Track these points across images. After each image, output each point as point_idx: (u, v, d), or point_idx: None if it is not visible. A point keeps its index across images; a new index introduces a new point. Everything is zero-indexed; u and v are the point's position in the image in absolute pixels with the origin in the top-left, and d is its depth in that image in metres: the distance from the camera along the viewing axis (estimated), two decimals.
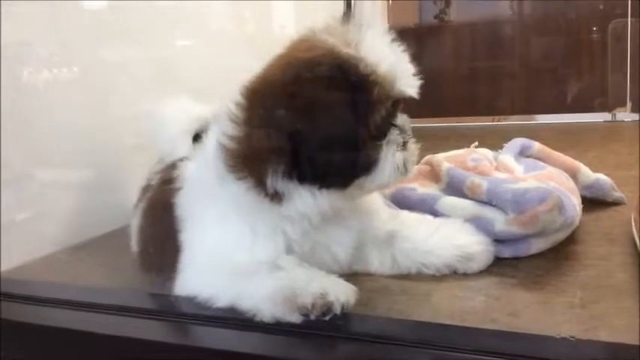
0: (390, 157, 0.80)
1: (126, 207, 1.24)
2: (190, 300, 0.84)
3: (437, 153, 1.14)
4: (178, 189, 0.90)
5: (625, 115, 2.38)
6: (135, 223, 1.04)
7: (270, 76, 0.79)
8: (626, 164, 1.47)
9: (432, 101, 2.70)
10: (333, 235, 0.86)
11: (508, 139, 1.24)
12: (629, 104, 2.37)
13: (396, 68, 0.80)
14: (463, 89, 2.74)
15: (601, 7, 2.48)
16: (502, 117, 2.72)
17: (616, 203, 1.17)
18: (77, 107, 1.21)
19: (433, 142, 1.09)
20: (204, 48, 1.54)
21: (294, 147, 0.74)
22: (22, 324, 0.91)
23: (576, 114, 2.48)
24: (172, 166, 0.99)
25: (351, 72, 0.76)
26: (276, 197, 0.78)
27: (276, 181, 0.77)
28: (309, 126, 0.74)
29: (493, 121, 2.72)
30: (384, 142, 0.80)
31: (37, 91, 1.15)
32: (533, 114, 2.65)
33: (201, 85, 1.42)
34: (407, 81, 0.81)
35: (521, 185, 0.91)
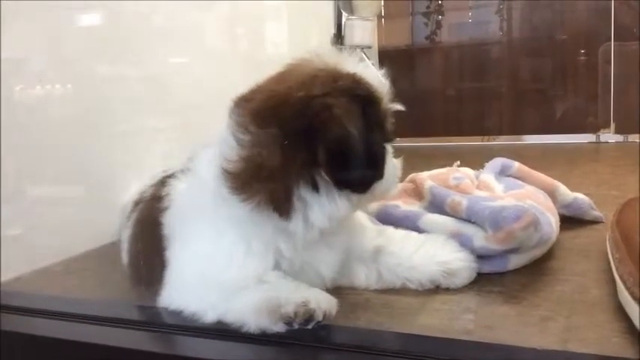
0: (390, 163, 0.86)
1: (116, 222, 1.28)
2: (177, 313, 0.86)
3: (421, 171, 1.18)
4: (166, 208, 0.93)
5: (609, 136, 2.44)
6: (125, 235, 1.06)
7: (283, 95, 0.80)
8: (606, 183, 1.51)
9: (421, 120, 2.77)
10: (320, 254, 0.88)
11: (493, 158, 1.27)
12: (612, 125, 2.43)
13: (384, 86, 0.85)
14: (452, 109, 2.79)
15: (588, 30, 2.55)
16: (490, 137, 2.78)
17: (594, 222, 1.21)
18: (70, 123, 1.22)
19: (418, 161, 1.13)
20: (197, 65, 1.55)
21: (327, 158, 0.78)
22: (18, 334, 0.93)
23: (561, 135, 2.54)
24: (162, 182, 1.02)
25: (364, 87, 0.81)
26: (286, 212, 0.80)
27: (298, 195, 0.80)
28: (341, 136, 0.77)
29: (482, 141, 2.77)
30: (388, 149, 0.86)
31: (29, 107, 1.16)
32: (520, 134, 2.71)
33: (194, 102, 1.45)
34: (390, 98, 0.86)
35: (499, 203, 0.95)
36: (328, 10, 2.34)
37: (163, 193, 0.94)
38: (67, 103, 1.24)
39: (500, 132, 2.74)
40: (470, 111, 2.78)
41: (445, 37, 2.86)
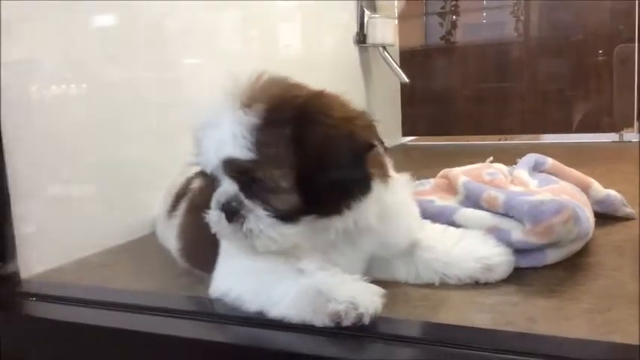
0: None
1: (131, 222, 1.32)
2: (221, 301, 0.88)
3: (436, 170, 1.18)
4: None
5: (632, 135, 2.43)
6: (172, 224, 1.11)
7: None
8: (632, 182, 1.50)
9: (438, 120, 2.78)
10: (341, 254, 0.89)
11: (517, 157, 1.28)
12: (636, 124, 2.42)
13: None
14: (469, 109, 2.79)
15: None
16: (509, 136, 2.78)
17: (626, 218, 1.21)
18: (85, 124, 1.23)
19: (434, 160, 1.13)
20: (210, 67, 1.56)
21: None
22: (53, 322, 0.95)
23: (584, 134, 2.53)
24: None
25: None
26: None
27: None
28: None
29: (500, 140, 2.78)
30: None
31: (44, 108, 1.17)
32: (541, 134, 2.71)
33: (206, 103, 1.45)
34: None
35: (538, 197, 0.95)
36: (349, 10, 2.34)
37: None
38: (82, 103, 1.24)
39: (519, 131, 2.74)
40: (489, 111, 2.78)
41: (460, 37, 2.86)
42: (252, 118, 0.79)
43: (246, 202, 0.82)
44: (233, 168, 0.81)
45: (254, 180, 0.81)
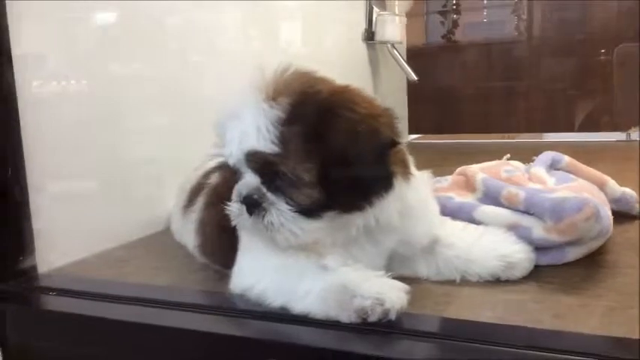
0: None
1: (132, 220, 1.31)
2: (243, 297, 0.88)
3: (441, 167, 1.17)
4: None
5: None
6: (190, 219, 1.11)
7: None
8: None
9: (441, 118, 2.79)
10: (361, 250, 0.89)
11: (524, 155, 1.29)
12: None
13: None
14: (473, 107, 2.79)
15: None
16: (513, 134, 2.78)
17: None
18: (85, 120, 1.21)
19: (437, 157, 1.12)
20: (211, 65, 1.54)
21: None
22: (70, 315, 0.96)
23: (590, 133, 2.53)
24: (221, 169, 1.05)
25: None
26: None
27: None
28: None
29: (503, 139, 2.78)
30: None
31: (45, 103, 1.15)
32: (545, 132, 2.71)
33: (207, 100, 1.43)
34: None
35: (559, 194, 0.95)
36: (357, 7, 2.34)
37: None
38: (83, 100, 1.22)
39: (523, 130, 2.75)
40: (492, 109, 2.79)
41: (461, 36, 2.86)
42: (276, 112, 0.78)
43: (268, 195, 0.82)
44: (256, 160, 0.81)
45: (277, 173, 0.80)
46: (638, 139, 2.41)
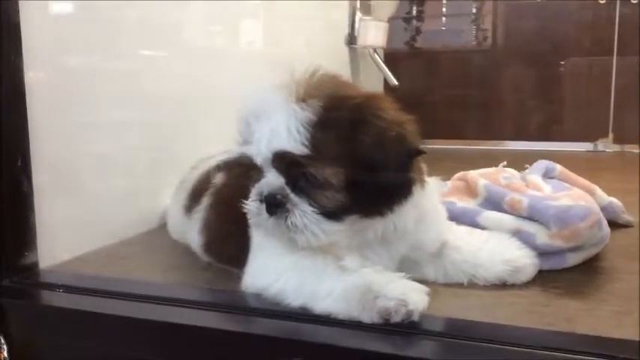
0: None
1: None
2: (257, 296, 0.88)
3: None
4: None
5: (607, 145, 2.53)
6: (194, 218, 1.10)
7: None
8: (613, 191, 1.57)
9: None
10: (373, 253, 0.90)
11: (494, 162, 1.29)
12: (611, 135, 2.51)
13: None
14: (436, 114, 2.84)
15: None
16: (474, 141, 2.83)
17: (625, 225, 1.26)
18: (38, 114, 1.12)
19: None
20: (173, 60, 1.50)
21: None
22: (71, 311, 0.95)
23: (559, 142, 2.61)
24: (224, 168, 1.05)
25: None
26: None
27: None
28: None
29: (471, 145, 2.83)
30: None
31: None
32: (511, 140, 2.78)
33: (167, 95, 1.41)
34: None
35: (563, 202, 0.99)
36: (341, 11, 2.36)
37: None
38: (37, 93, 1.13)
39: (485, 137, 2.81)
40: (454, 116, 2.85)
41: (423, 43, 2.94)
42: (308, 114, 0.79)
43: (292, 196, 0.82)
44: (284, 161, 0.81)
45: (303, 175, 0.81)
46: (605, 149, 2.51)
